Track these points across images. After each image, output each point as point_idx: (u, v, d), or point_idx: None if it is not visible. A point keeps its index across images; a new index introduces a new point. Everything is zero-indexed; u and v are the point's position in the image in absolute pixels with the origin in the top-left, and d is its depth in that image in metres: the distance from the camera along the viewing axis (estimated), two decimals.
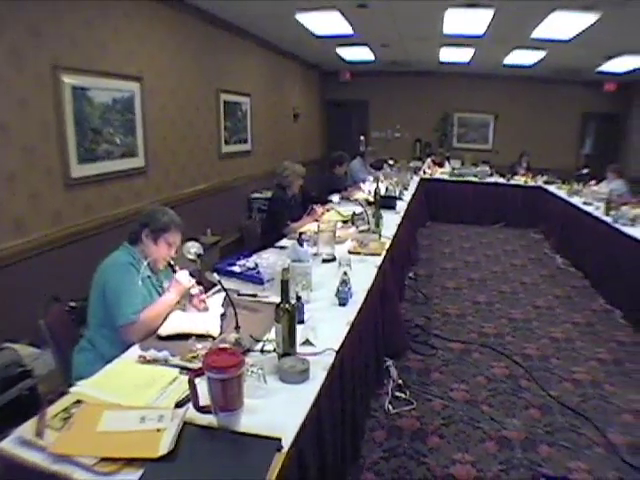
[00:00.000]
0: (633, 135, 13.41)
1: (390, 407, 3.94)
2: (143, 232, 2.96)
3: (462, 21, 7.51)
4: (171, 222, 3.01)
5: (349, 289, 3.20)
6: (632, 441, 3.70)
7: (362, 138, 12.94)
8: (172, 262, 3.01)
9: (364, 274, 3.85)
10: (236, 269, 3.70)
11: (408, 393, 4.14)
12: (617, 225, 6.61)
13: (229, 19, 7.72)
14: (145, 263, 2.90)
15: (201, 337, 2.61)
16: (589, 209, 7.90)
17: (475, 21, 7.49)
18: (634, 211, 6.93)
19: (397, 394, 4.12)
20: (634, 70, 10.92)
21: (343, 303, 3.16)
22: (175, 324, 2.71)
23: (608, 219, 6.95)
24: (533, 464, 3.41)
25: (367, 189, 7.62)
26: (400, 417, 3.85)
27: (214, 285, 3.14)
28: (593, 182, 9.62)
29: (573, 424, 3.90)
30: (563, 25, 7.40)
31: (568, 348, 5.25)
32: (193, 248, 2.90)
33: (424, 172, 11.37)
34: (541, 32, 7.92)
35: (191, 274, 2.99)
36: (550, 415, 4.01)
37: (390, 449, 3.49)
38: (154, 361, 2.37)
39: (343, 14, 7.27)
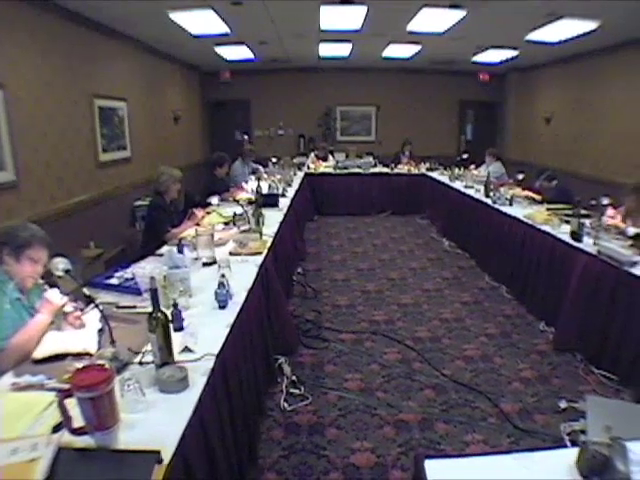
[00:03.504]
0: (508, 121, 14.12)
1: (286, 404, 3.94)
2: (3, 251, 2.79)
3: (338, 17, 7.61)
4: (32, 237, 2.85)
5: (227, 291, 3.18)
6: (522, 407, 3.94)
7: (245, 137, 12.89)
8: (42, 280, 2.88)
9: (245, 274, 3.85)
10: (114, 281, 3.60)
11: (303, 389, 4.16)
12: (496, 205, 6.94)
13: (99, 19, 7.44)
14: (12, 284, 2.76)
15: (78, 356, 2.51)
16: (470, 192, 8.23)
17: (351, 17, 7.61)
18: (511, 191, 7.28)
19: (292, 391, 4.13)
20: (506, 60, 11.46)
21: (223, 306, 3.14)
22: (49, 345, 2.59)
23: (488, 200, 7.27)
24: (432, 443, 3.52)
25: (250, 189, 7.59)
26: (297, 413, 3.86)
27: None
28: (473, 166, 9.99)
29: (467, 399, 4.07)
30: (435, 20, 7.67)
31: (458, 327, 5.45)
32: (61, 264, 2.76)
33: (308, 167, 11.45)
34: (415, 26, 8.15)
35: (65, 292, 2.86)
36: (444, 393, 4.16)
37: (289, 446, 3.49)
38: (28, 387, 2.26)
39: (217, 12, 7.19)
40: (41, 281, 2.89)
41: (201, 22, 7.76)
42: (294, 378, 4.29)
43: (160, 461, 1.74)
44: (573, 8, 6.70)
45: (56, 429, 1.91)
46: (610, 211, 5.47)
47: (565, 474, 1.78)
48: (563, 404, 3.89)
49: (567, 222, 5.37)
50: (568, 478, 1.76)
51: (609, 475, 1.69)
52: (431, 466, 1.83)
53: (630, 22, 7.34)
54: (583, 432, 3.35)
